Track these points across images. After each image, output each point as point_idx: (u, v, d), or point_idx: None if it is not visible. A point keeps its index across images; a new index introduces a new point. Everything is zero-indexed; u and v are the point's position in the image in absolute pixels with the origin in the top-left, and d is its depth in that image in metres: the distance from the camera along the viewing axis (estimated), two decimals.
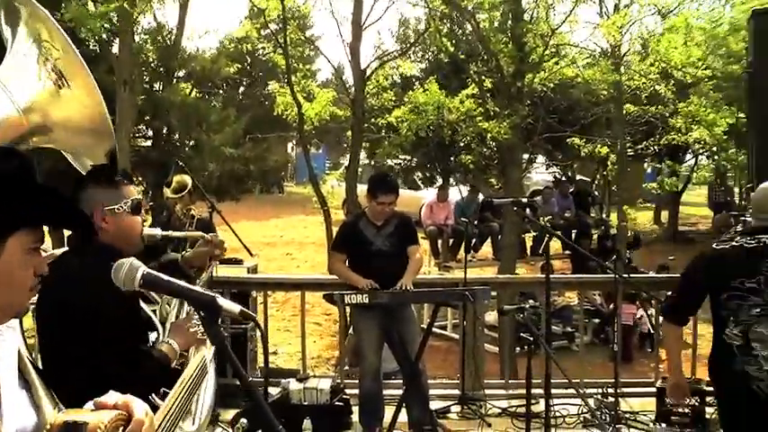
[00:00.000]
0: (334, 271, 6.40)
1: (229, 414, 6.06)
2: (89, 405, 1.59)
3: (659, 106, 14.17)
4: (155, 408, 1.76)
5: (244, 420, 5.63)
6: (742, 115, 10.66)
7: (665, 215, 26.34)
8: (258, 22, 13.74)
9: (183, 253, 4.69)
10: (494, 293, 7.99)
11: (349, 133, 13.55)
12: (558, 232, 15.91)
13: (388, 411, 6.02)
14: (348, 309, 6.87)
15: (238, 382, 2.80)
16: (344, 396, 6.37)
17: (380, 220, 6.17)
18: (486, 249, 16.71)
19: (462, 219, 15.37)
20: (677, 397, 4.93)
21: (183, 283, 2.17)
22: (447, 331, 14.23)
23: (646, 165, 21.07)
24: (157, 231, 3.73)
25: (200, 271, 4.65)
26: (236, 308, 2.05)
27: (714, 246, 4.22)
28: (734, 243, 4.03)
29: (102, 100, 3.37)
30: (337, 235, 6.83)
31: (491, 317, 11.12)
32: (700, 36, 10.85)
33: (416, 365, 5.92)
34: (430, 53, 17.34)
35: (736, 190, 17.86)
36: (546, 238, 6.09)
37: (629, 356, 13.30)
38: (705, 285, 4.15)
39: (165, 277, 2.14)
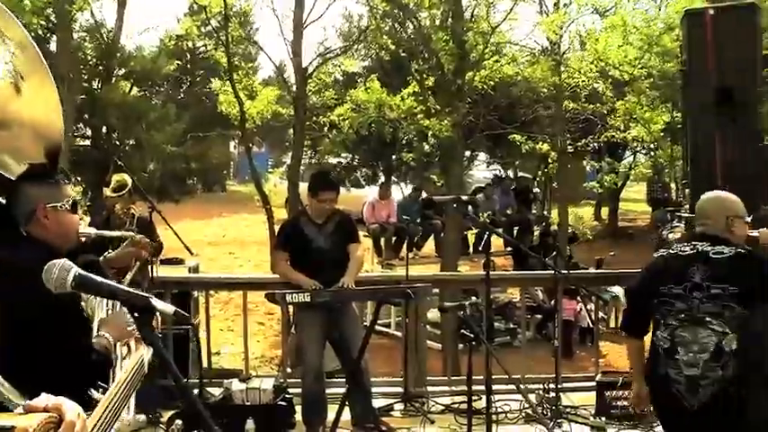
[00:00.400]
0: (278, 271, 6.38)
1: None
2: (19, 408, 1.56)
3: (598, 104, 14.37)
4: (95, 403, 1.73)
5: (179, 422, 5.57)
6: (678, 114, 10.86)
7: (605, 211, 26.70)
8: (199, 18, 13.61)
9: (106, 254, 4.64)
10: (436, 291, 8.02)
11: (291, 131, 13.50)
12: (500, 229, 16.09)
13: (332, 410, 6.00)
14: (291, 308, 6.84)
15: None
16: (287, 395, 6.34)
17: (321, 218, 6.16)
18: (429, 247, 16.76)
19: (404, 217, 15.42)
20: (639, 406, 5.01)
21: (115, 284, 2.14)
22: (390, 329, 14.24)
23: (585, 162, 21.32)
24: (92, 230, 3.69)
25: (122, 271, 4.61)
26: (170, 309, 2.03)
27: (655, 254, 4.36)
28: (671, 251, 4.15)
29: (57, 98, 3.32)
30: (278, 234, 6.81)
31: (434, 314, 11.15)
32: (636, 35, 11.00)
33: (359, 364, 5.91)
34: (372, 51, 17.31)
35: (674, 186, 18.16)
36: (486, 235, 6.13)
37: (570, 351, 13.45)
38: (646, 293, 4.22)
39: (98, 278, 2.11)
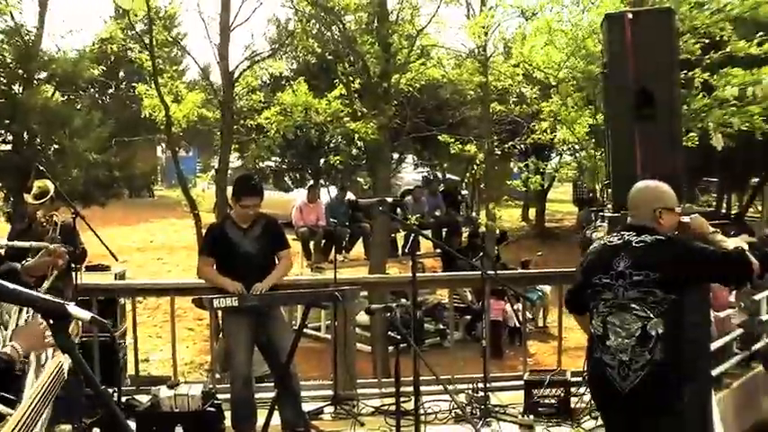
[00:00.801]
0: (203, 276, 6.31)
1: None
2: None
3: (524, 106, 14.54)
4: None
5: (96, 430, 5.49)
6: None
7: (532, 212, 27.02)
8: (123, 22, 13.40)
9: (24, 262, 4.56)
10: (365, 293, 8.05)
11: (219, 135, 13.38)
12: (428, 231, 16.20)
13: (261, 415, 5.98)
14: (219, 313, 6.78)
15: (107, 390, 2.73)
16: (216, 401, 6.28)
17: (247, 222, 6.13)
18: (359, 249, 16.80)
19: (332, 219, 15.44)
20: None
21: (30, 291, 2.10)
22: (321, 333, 14.22)
23: (512, 163, 21.55)
24: (2, 242, 3.62)
25: (40, 280, 4.53)
26: (86, 315, 2.00)
27: (594, 244, 4.50)
28: (602, 242, 4.33)
29: None
30: (204, 239, 6.76)
31: (363, 317, 11.18)
32: (561, 38, 11.17)
33: (287, 368, 5.90)
34: (299, 54, 17.25)
35: (598, 186, 18.50)
36: (413, 237, 6.18)
37: (500, 351, 13.59)
38: (583, 285, 4.38)
39: (12, 286, 2.07)
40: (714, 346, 10.68)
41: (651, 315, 3.98)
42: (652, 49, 5.67)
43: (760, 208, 25.19)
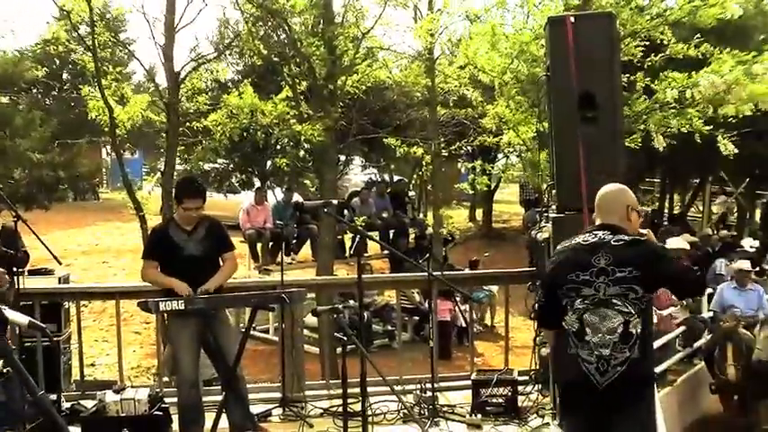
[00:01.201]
0: (148, 278, 6.27)
1: None
2: None
3: (470, 108, 14.63)
4: None
5: None
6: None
7: (479, 213, 27.19)
8: (66, 23, 13.20)
9: None
10: (312, 295, 8.07)
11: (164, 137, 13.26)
12: (375, 232, 16.25)
13: (209, 418, 5.97)
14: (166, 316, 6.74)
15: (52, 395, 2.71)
16: (163, 405, 6.26)
17: (190, 225, 6.11)
18: (307, 251, 16.80)
19: (278, 222, 15.42)
20: None
21: None
22: (269, 335, 14.19)
23: (460, 165, 21.69)
24: None
25: None
26: (23, 319, 2.00)
27: (557, 247, 4.62)
28: (573, 242, 4.39)
29: None
30: (147, 242, 6.74)
31: (312, 318, 11.18)
32: (504, 42, 11.27)
33: (235, 371, 5.90)
34: (246, 56, 17.16)
35: (544, 187, 18.70)
36: (358, 239, 6.21)
37: (448, 352, 13.66)
38: (551, 284, 4.46)
39: None
40: (657, 343, 10.91)
41: (632, 311, 4.10)
42: (594, 52, 5.78)
43: (701, 208, 25.69)
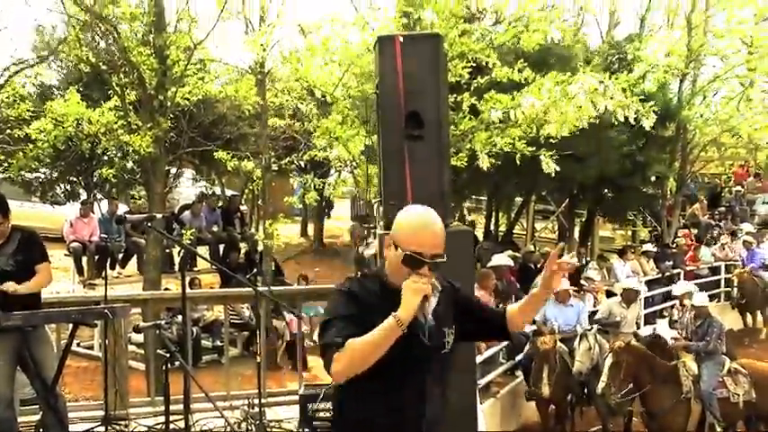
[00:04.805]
0: None
1: None
2: None
3: (302, 123, 14.66)
4: None
5: None
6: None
7: (311, 228, 27.24)
8: None
9: None
10: (138, 310, 7.89)
11: None
12: (205, 246, 16.05)
13: None
14: None
15: None
16: None
17: (1, 239, 5.85)
18: (135, 265, 16.42)
19: (102, 235, 15.02)
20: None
21: None
22: (94, 351, 13.73)
23: (291, 179, 21.66)
24: None
25: None
26: None
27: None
28: None
29: None
30: None
31: (141, 334, 10.91)
32: (335, 58, 11.36)
33: (53, 389, 5.68)
34: (71, 62, 16.54)
35: (373, 203, 18.96)
36: (183, 254, 6.13)
37: (278, 367, 13.63)
38: None
39: None
40: (483, 356, 11.28)
41: None
42: (421, 71, 5.91)
43: (525, 225, 26.70)
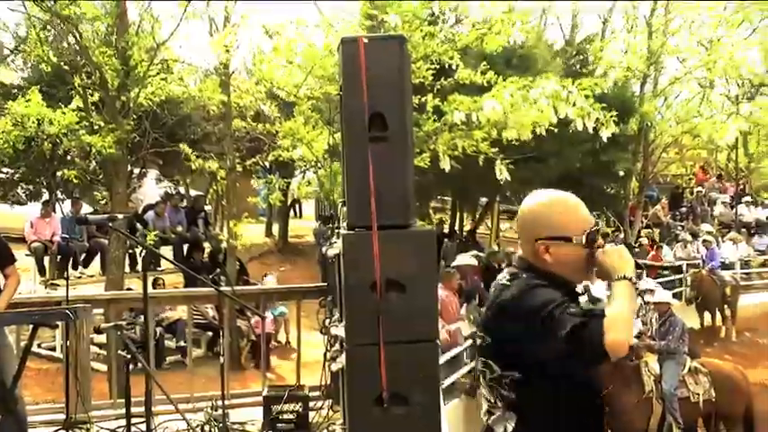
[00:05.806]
0: None
1: None
2: None
3: (266, 124, 14.63)
4: None
5: None
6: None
7: (276, 228, 27.17)
8: None
9: None
10: (100, 311, 7.84)
11: None
12: (169, 246, 15.98)
13: None
14: None
15: None
16: None
17: None
18: (98, 265, 16.33)
19: (63, 235, 14.93)
20: None
21: None
22: (56, 353, 13.61)
23: (255, 180, 21.59)
24: None
25: None
26: None
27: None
28: None
29: None
30: None
31: (103, 335, 10.84)
32: (300, 59, 11.38)
33: (13, 392, 5.64)
34: (32, 62, 16.38)
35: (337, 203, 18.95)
36: (144, 254, 6.12)
37: (241, 367, 13.60)
38: None
39: None
40: (446, 357, 11.32)
41: None
42: (385, 73, 5.92)
43: (490, 225, 26.80)
